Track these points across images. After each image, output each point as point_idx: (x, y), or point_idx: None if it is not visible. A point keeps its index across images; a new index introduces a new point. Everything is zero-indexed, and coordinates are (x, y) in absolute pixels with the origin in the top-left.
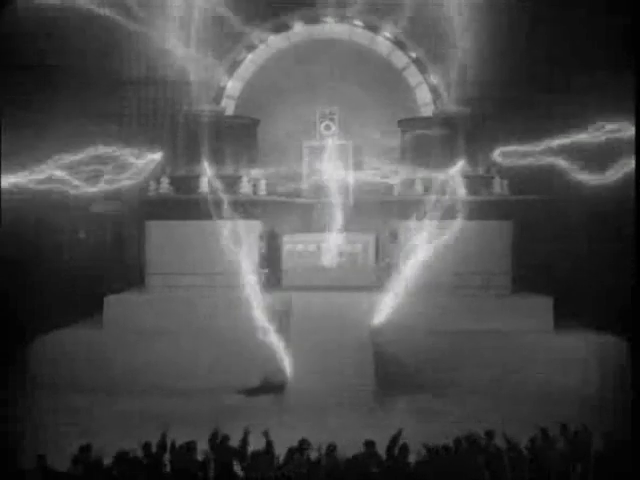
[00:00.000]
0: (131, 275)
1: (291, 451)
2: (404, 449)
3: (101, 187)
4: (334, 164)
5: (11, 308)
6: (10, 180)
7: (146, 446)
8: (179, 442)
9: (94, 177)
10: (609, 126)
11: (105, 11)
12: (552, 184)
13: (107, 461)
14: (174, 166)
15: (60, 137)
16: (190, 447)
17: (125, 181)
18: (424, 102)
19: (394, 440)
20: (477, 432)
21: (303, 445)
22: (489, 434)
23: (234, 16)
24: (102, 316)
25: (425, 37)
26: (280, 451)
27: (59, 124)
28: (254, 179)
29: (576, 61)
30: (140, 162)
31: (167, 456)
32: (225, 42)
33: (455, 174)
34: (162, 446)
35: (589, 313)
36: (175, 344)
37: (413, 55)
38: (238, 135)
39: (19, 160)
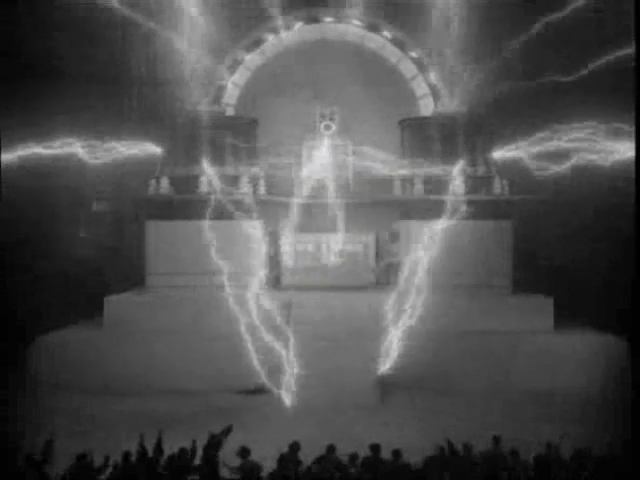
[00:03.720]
0: (131, 275)
1: (283, 457)
2: (396, 453)
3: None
4: (334, 164)
5: (11, 308)
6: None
7: (141, 448)
8: (179, 442)
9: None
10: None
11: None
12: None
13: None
14: (174, 166)
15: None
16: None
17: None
18: (427, 111)
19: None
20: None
21: (294, 447)
22: (496, 439)
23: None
24: (102, 316)
25: (425, 37)
26: (279, 451)
27: (57, 125)
28: (254, 179)
29: (576, 61)
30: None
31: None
32: (225, 42)
33: (455, 174)
34: (159, 449)
35: (589, 313)
36: (175, 344)
37: (413, 55)
38: (238, 135)
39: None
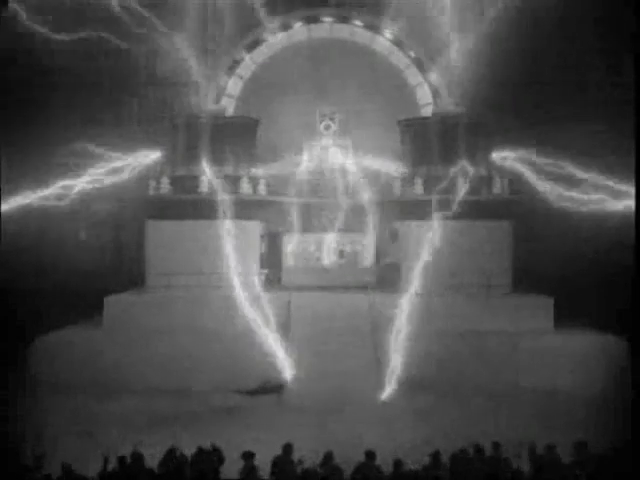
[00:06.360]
0: (131, 275)
1: (278, 459)
2: (398, 464)
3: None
4: (334, 164)
5: (11, 308)
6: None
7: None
8: (178, 441)
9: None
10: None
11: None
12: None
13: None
14: (174, 166)
15: (60, 139)
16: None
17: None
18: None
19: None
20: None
21: (287, 450)
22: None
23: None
24: (102, 316)
25: (425, 37)
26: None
27: (58, 124)
28: (254, 179)
29: (575, 61)
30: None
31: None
32: (225, 42)
33: (455, 174)
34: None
35: (589, 313)
36: (175, 344)
37: (411, 54)
38: (238, 135)
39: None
